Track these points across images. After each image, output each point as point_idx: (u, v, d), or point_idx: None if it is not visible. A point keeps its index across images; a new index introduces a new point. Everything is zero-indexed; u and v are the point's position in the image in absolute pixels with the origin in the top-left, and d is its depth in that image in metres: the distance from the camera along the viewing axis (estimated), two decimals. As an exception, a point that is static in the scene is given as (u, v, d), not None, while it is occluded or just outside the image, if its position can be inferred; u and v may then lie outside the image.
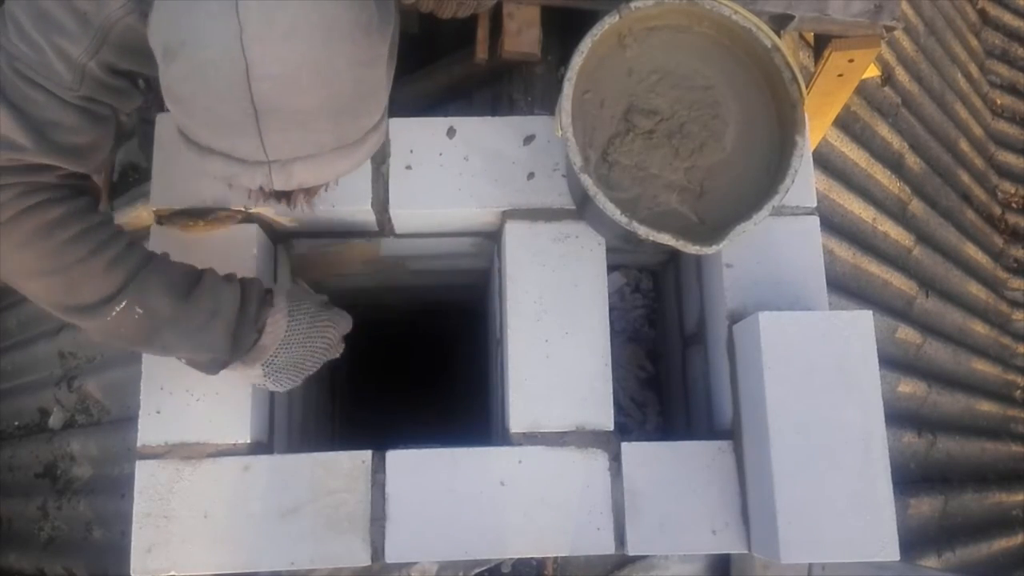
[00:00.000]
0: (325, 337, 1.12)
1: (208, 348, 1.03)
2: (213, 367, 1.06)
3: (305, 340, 1.10)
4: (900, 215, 2.62)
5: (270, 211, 1.23)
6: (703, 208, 1.13)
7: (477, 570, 1.31)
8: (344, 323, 1.16)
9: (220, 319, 1.01)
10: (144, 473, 1.14)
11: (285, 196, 0.90)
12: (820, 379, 1.06)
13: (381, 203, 1.25)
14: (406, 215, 1.27)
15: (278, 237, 1.35)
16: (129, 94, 0.95)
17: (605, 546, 1.13)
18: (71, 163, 0.94)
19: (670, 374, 1.59)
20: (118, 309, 0.95)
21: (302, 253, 1.47)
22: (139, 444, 1.15)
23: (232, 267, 1.21)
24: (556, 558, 1.36)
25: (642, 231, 1.05)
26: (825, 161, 2.34)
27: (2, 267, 0.93)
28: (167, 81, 0.80)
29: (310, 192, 0.91)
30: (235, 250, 1.22)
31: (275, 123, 0.78)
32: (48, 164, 0.92)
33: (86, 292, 0.94)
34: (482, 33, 1.44)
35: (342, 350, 1.17)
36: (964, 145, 3.26)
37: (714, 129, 1.14)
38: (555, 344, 1.20)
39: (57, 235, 0.92)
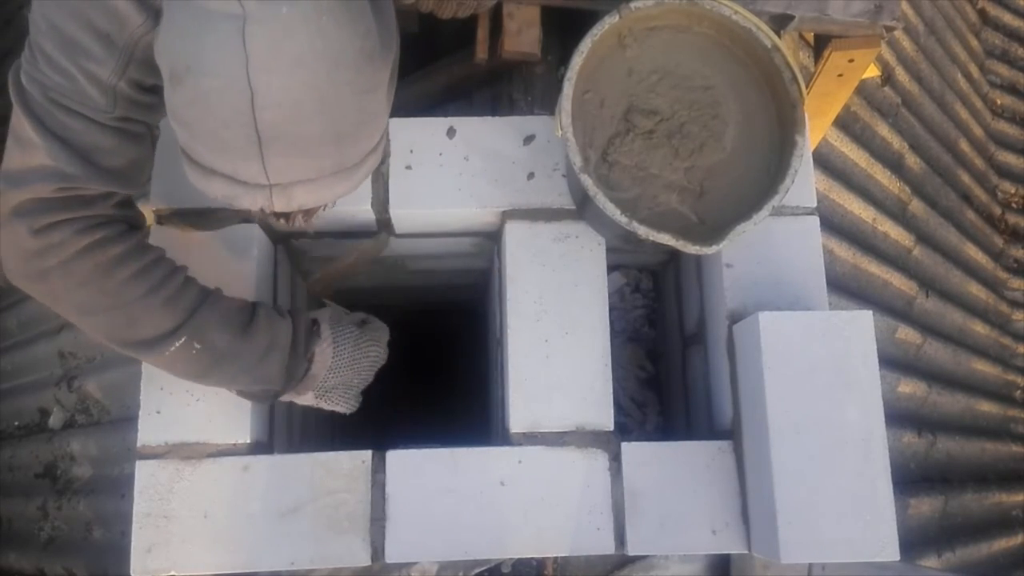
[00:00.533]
0: (369, 357, 1.16)
1: (263, 381, 1.06)
2: (266, 398, 1.11)
3: (352, 363, 1.14)
4: (900, 215, 2.62)
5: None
6: (703, 208, 1.13)
7: (477, 570, 1.31)
8: (384, 335, 1.20)
9: (276, 353, 1.04)
10: (144, 473, 1.14)
11: (284, 216, 0.91)
12: (820, 379, 1.06)
13: (381, 203, 1.25)
14: (406, 215, 1.27)
15: (278, 237, 1.35)
16: (159, 108, 0.96)
17: (605, 546, 1.13)
18: (120, 185, 0.95)
19: (670, 374, 1.59)
20: (177, 345, 0.97)
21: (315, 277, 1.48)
22: (139, 444, 1.15)
23: (232, 267, 1.21)
24: (556, 558, 1.36)
25: (642, 231, 1.05)
26: (825, 161, 2.34)
27: (61, 304, 0.95)
28: (172, 104, 0.81)
29: (308, 212, 0.92)
30: (235, 250, 1.22)
31: (278, 149, 0.79)
32: (101, 192, 0.93)
33: (145, 329, 0.96)
34: (482, 33, 1.44)
35: (386, 357, 1.20)
36: (964, 145, 3.26)
37: (714, 129, 1.14)
38: (555, 344, 1.20)
39: (117, 274, 0.93)
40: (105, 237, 0.93)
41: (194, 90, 0.77)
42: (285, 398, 1.12)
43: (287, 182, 0.82)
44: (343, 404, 1.16)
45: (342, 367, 1.13)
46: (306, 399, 1.14)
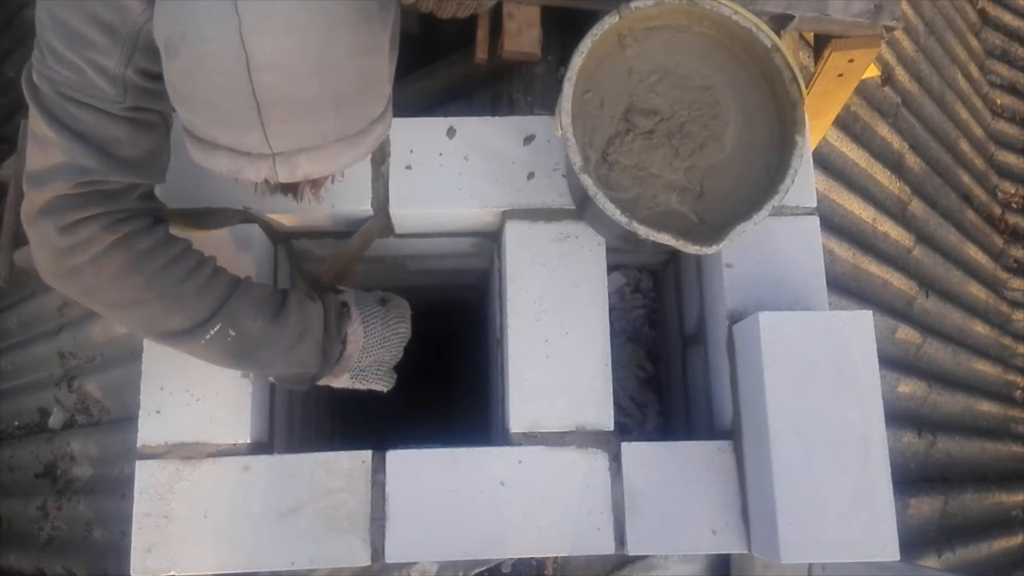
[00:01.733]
0: (398, 333, 1.17)
1: (300, 364, 1.07)
2: (303, 383, 1.11)
3: (383, 342, 1.15)
4: (900, 215, 2.63)
5: (278, 204, 1.23)
6: (703, 208, 1.13)
7: (477, 570, 1.31)
8: (407, 311, 1.21)
9: (309, 336, 1.05)
10: (144, 473, 1.14)
11: (292, 189, 0.91)
12: (820, 379, 1.06)
13: (381, 203, 1.25)
14: (406, 215, 1.27)
15: (278, 237, 1.35)
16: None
17: (605, 546, 1.13)
18: (140, 176, 0.96)
19: (670, 374, 1.59)
20: (212, 332, 0.98)
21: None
22: (139, 444, 1.15)
23: (232, 267, 1.21)
24: (556, 558, 1.36)
25: (642, 231, 1.05)
26: (825, 161, 2.34)
27: (94, 299, 0.96)
28: (170, 77, 0.81)
29: (316, 184, 0.92)
30: (235, 250, 1.22)
31: (277, 114, 0.78)
32: (123, 186, 0.94)
33: (178, 319, 0.97)
34: (482, 33, 1.44)
35: (411, 332, 1.21)
36: (964, 145, 3.27)
37: (714, 129, 1.14)
38: (555, 344, 1.20)
39: (147, 266, 0.94)
40: (132, 232, 0.94)
41: (189, 58, 0.77)
42: (322, 382, 1.13)
43: (290, 150, 0.81)
44: (379, 382, 1.17)
45: (374, 346, 1.14)
46: (342, 381, 1.15)
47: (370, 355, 1.14)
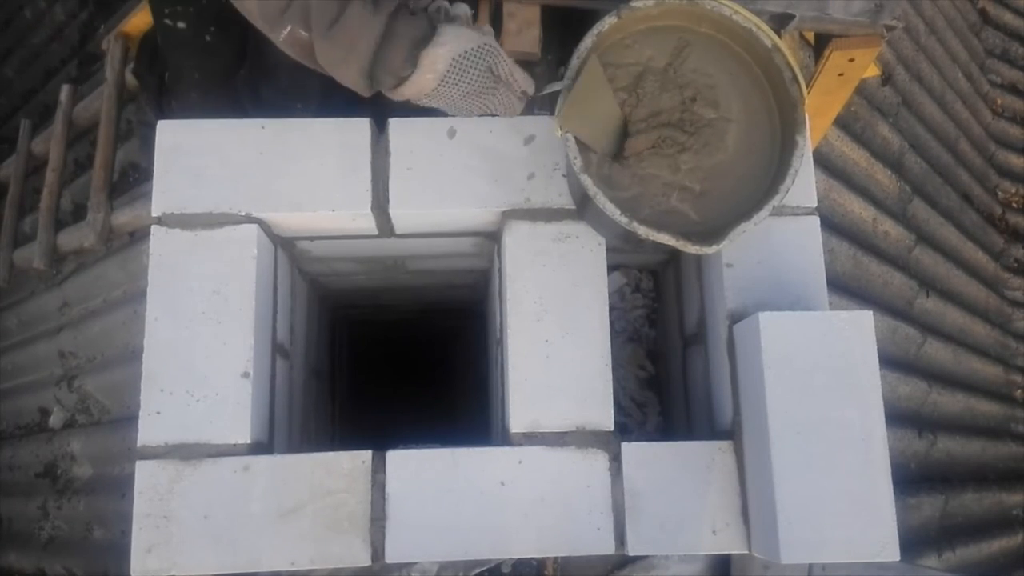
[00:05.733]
0: (484, 106, 1.12)
1: (349, 84, 1.07)
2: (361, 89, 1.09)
3: (462, 100, 1.10)
4: (900, 215, 2.63)
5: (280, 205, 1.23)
6: (703, 208, 1.13)
7: (477, 570, 1.31)
8: (522, 84, 1.14)
9: (354, 57, 1.02)
10: (144, 473, 1.14)
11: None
12: (820, 379, 1.06)
13: (381, 203, 1.25)
14: (406, 215, 1.27)
15: (278, 239, 1.35)
16: None
17: (605, 546, 1.13)
18: None
19: (670, 374, 1.59)
20: (284, 33, 1.03)
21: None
22: (139, 444, 1.15)
23: (231, 268, 1.21)
24: (556, 558, 1.36)
25: (642, 231, 1.05)
26: (825, 161, 2.34)
27: None
28: None
29: None
30: (235, 250, 1.22)
31: None
32: None
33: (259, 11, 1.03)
34: (482, 33, 1.43)
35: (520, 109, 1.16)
36: (964, 145, 3.27)
37: (717, 128, 1.14)
38: (555, 344, 1.20)
39: None
40: None
41: None
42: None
43: None
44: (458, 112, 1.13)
45: (451, 96, 1.09)
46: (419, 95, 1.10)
47: (444, 98, 1.09)
